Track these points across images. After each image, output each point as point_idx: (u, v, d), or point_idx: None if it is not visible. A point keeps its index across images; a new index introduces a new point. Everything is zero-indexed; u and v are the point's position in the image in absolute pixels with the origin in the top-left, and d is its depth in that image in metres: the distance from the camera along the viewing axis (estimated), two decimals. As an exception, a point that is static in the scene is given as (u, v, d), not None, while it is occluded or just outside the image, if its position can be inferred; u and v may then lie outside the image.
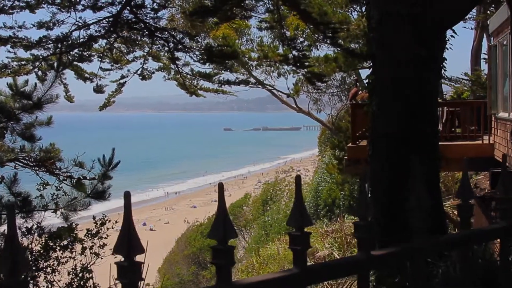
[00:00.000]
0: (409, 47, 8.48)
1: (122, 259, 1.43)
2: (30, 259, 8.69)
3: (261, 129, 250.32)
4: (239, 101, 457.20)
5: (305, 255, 1.69)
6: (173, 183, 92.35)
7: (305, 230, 1.71)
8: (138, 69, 17.82)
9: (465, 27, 29.61)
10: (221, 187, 1.56)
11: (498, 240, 2.51)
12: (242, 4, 14.42)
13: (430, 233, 2.06)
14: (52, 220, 9.82)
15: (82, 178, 9.62)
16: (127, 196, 1.43)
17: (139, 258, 1.45)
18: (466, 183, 2.27)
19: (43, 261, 9.72)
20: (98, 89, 17.09)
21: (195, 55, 15.72)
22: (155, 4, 14.43)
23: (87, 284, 9.84)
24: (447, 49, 9.59)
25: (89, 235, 10.33)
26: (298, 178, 1.70)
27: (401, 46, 8.57)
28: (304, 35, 21.10)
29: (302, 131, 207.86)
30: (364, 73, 24.64)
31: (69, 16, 14.14)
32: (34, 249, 9.59)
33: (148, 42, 16.41)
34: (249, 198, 46.65)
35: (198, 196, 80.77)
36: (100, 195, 9.35)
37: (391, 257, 1.98)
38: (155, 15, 14.51)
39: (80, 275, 9.88)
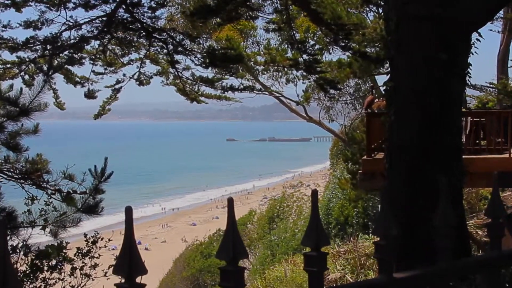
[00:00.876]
0: (430, 51, 8.47)
1: (122, 280, 1.42)
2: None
3: (267, 140, 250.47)
4: (243, 109, 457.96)
5: (321, 277, 1.68)
6: (170, 198, 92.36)
7: (322, 250, 1.69)
8: (135, 74, 17.85)
9: (491, 30, 29.46)
10: (231, 202, 1.56)
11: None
12: (248, 3, 14.46)
13: (453, 253, 2.05)
14: (40, 238, 9.81)
15: (72, 192, 9.59)
16: (128, 211, 1.43)
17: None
18: (497, 199, 2.24)
19: (29, 282, 9.70)
20: (90, 95, 17.09)
21: (196, 59, 15.74)
22: (152, 2, 14.47)
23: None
24: (472, 53, 9.57)
25: (80, 254, 10.32)
26: (315, 193, 1.69)
27: (421, 50, 8.56)
28: (315, 38, 21.11)
29: (312, 142, 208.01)
30: (381, 79, 24.63)
31: (59, 15, 14.22)
32: (19, 269, 9.56)
33: (145, 43, 16.44)
34: (253, 215, 46.58)
35: (198, 212, 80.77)
36: (92, 209, 9.32)
37: (416, 281, 1.96)
38: (153, 14, 14.56)
39: (69, 298, 9.88)
